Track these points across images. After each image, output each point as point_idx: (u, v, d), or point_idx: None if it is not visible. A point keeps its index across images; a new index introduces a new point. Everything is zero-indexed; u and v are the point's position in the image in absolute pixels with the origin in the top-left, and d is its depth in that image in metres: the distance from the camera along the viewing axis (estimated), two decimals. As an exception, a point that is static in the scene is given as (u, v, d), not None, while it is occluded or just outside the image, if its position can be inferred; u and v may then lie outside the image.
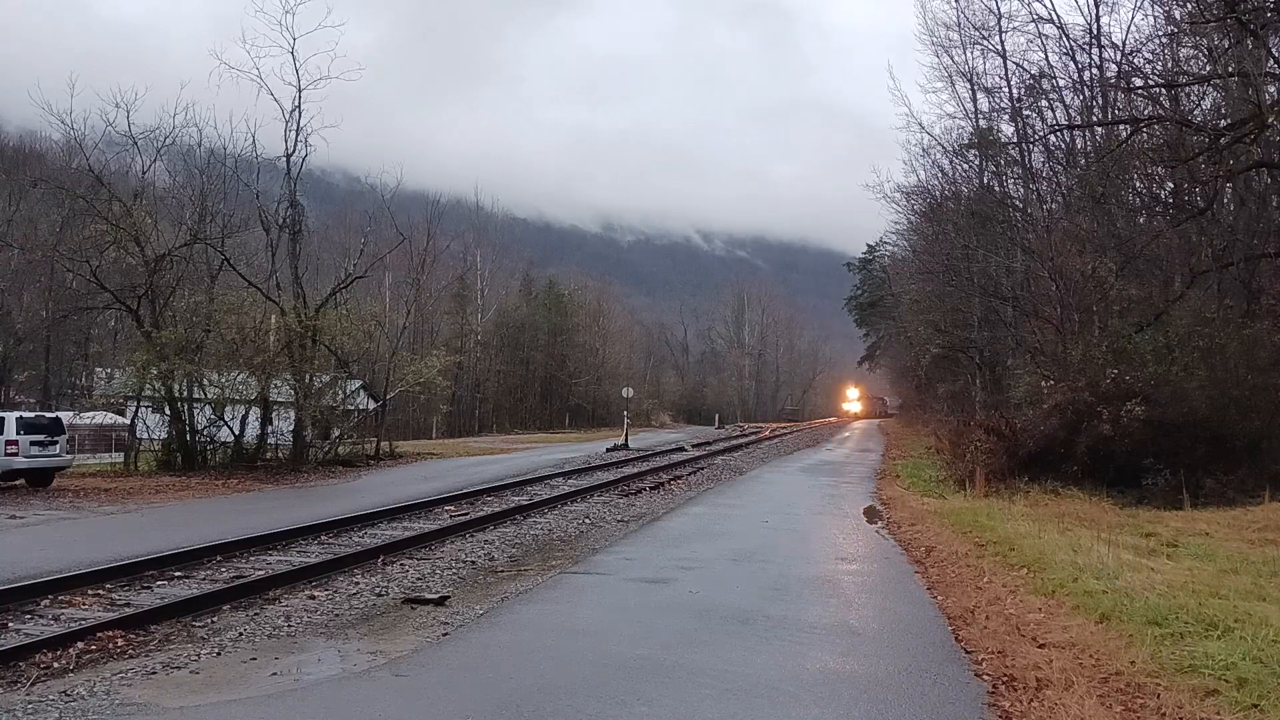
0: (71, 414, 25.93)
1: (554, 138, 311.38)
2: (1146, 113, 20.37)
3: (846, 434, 53.23)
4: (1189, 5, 20.05)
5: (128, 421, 26.33)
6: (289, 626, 7.76)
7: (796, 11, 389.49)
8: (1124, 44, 23.83)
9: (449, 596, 8.79)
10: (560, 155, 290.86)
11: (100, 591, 9.06)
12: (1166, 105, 20.09)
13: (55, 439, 19.07)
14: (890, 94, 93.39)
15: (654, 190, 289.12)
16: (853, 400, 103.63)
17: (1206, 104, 21.58)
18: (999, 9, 28.03)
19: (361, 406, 30.96)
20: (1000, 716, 5.35)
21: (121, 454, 25.55)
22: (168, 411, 23.78)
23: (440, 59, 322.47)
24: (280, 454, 24.98)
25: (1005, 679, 5.97)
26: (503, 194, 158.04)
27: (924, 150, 37.02)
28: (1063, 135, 27.39)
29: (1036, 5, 37.36)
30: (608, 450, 32.14)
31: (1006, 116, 31.25)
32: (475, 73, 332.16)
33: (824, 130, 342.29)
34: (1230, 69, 17.96)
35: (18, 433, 18.14)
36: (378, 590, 9.12)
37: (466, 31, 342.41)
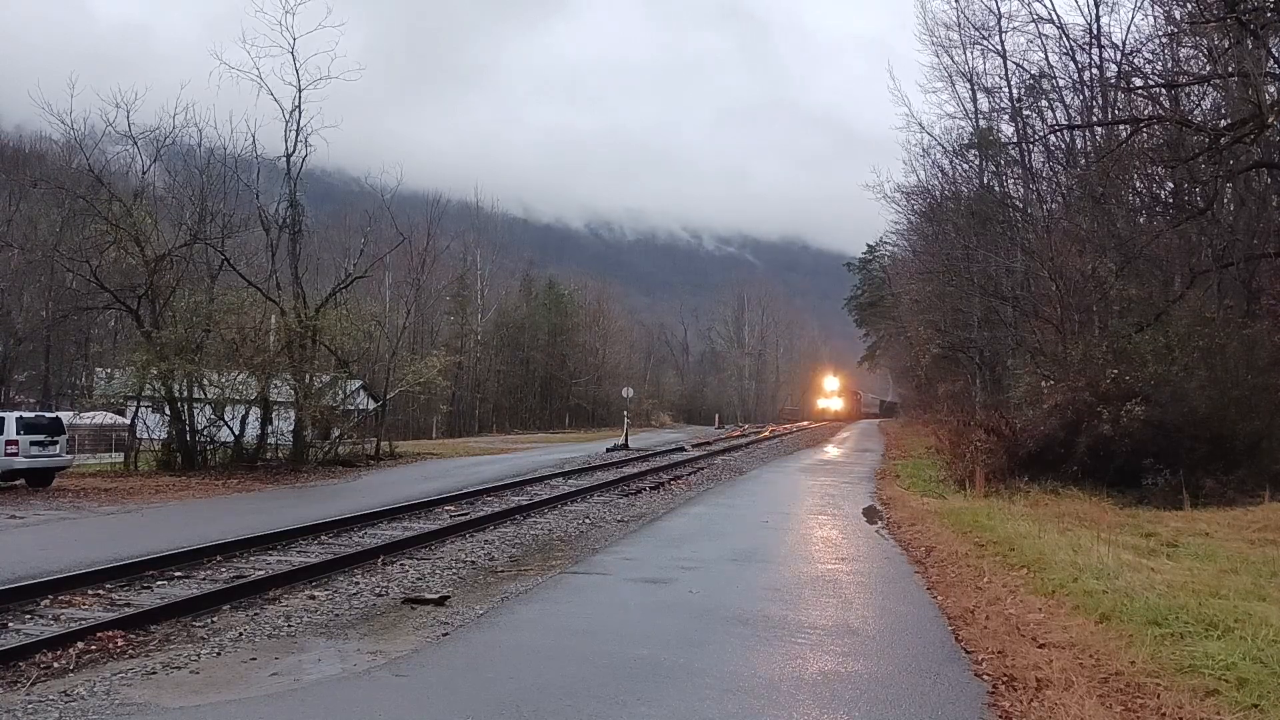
0: (71, 414, 25.91)
1: (539, 138, 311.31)
2: (1146, 113, 20.35)
3: (846, 434, 53.21)
4: (1189, 5, 20.07)
5: (128, 421, 26.30)
6: (289, 626, 7.75)
7: (772, 16, 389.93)
8: (1124, 44, 23.90)
9: (449, 596, 8.78)
10: (546, 155, 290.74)
11: (100, 591, 9.06)
12: (1166, 105, 20.09)
13: (55, 439, 19.06)
14: (890, 94, 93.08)
15: (640, 189, 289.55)
16: (832, 394, 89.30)
17: (1206, 104, 21.61)
18: (999, 9, 28.06)
19: (361, 406, 30.96)
20: (1000, 716, 5.35)
21: (121, 454, 25.53)
22: (168, 411, 23.76)
23: (427, 62, 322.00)
24: (280, 454, 24.97)
25: (1005, 679, 5.97)
26: (494, 193, 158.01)
27: (924, 150, 37.18)
28: (1063, 135, 27.40)
29: (1036, 5, 37.27)
30: (608, 450, 32.15)
31: (1006, 116, 31.33)
32: (462, 76, 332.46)
33: (805, 131, 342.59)
34: (1230, 69, 17.96)
35: (18, 433, 18.13)
36: (378, 590, 9.11)
37: (452, 36, 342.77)
